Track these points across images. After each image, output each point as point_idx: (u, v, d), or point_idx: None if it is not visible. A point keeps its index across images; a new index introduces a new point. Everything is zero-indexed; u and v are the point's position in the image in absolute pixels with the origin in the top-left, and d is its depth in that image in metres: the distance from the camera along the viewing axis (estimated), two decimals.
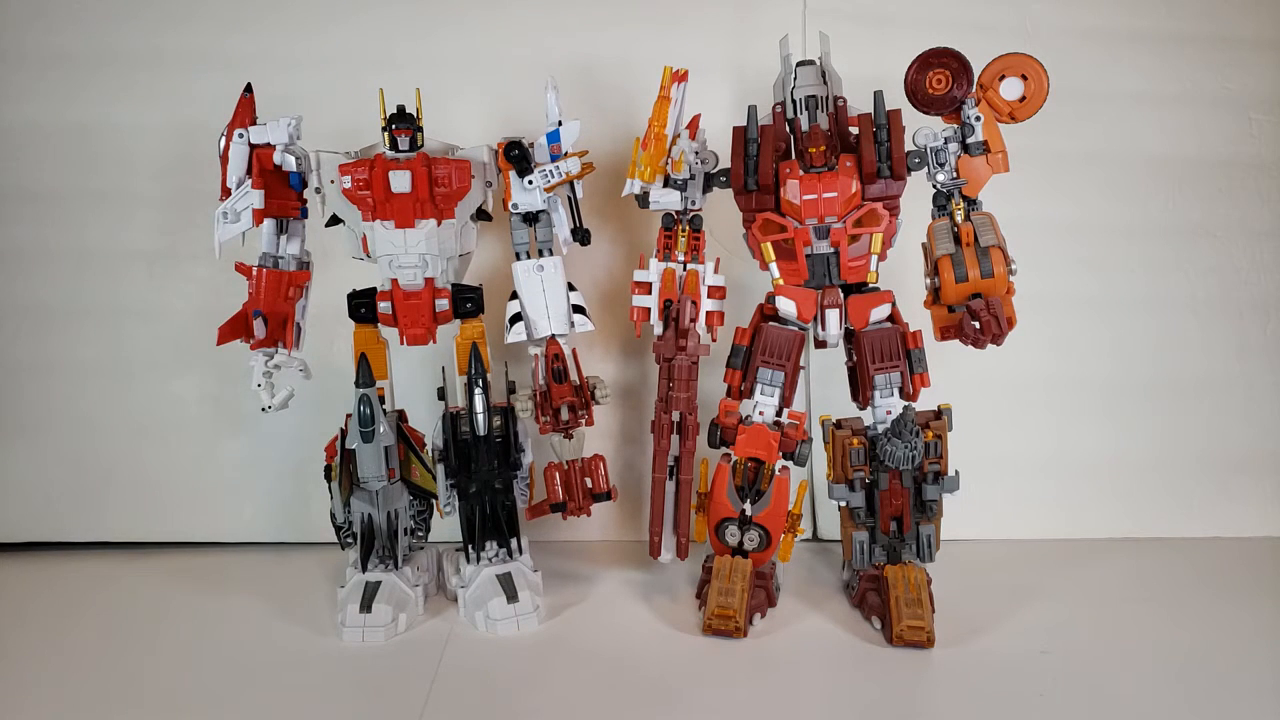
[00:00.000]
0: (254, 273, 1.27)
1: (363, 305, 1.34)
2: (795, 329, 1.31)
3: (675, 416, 1.31)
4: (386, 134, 1.27)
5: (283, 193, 1.28)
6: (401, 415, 1.38)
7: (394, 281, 1.29)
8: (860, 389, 1.34)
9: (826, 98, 1.29)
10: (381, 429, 1.28)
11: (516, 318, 1.34)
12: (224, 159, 1.25)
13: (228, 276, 1.28)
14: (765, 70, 1.33)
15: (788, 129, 1.31)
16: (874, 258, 1.28)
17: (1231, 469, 1.67)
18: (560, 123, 1.28)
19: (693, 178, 1.32)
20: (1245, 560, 1.54)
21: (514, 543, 1.35)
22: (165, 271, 1.61)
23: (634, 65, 1.48)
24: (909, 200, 1.30)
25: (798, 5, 1.59)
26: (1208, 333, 1.66)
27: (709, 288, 1.34)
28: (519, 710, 1.10)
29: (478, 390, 1.29)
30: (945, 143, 1.25)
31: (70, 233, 1.60)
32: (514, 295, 1.34)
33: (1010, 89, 1.23)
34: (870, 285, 1.31)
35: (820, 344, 1.34)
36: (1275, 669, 1.18)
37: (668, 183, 1.31)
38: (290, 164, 1.25)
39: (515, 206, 1.31)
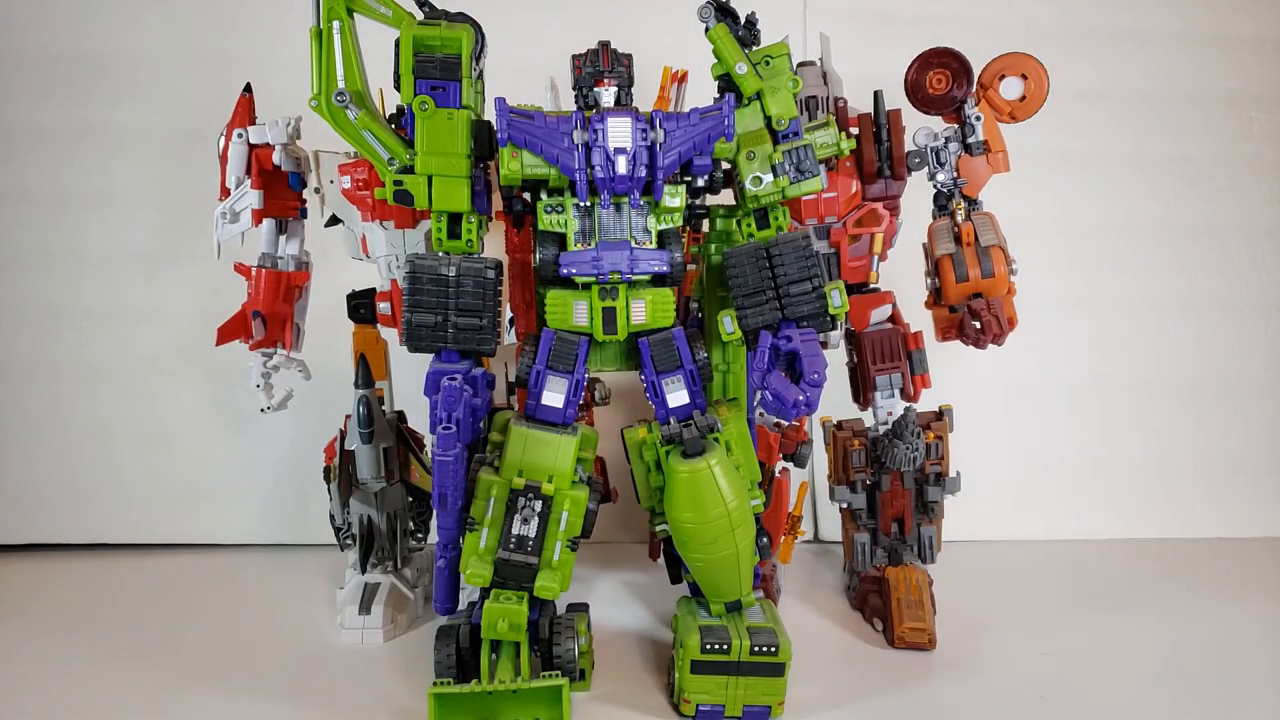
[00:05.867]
0: (253, 273, 1.26)
1: (362, 306, 1.34)
2: None
3: None
4: None
5: (282, 193, 1.28)
6: (401, 416, 1.38)
7: (393, 282, 1.29)
8: (861, 390, 1.34)
9: (827, 98, 1.29)
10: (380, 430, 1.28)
11: None
12: (223, 159, 1.25)
13: (227, 277, 1.27)
14: None
15: None
16: (874, 258, 1.28)
17: (1231, 469, 1.67)
18: None
19: None
20: (1245, 560, 1.54)
21: None
22: (165, 272, 1.61)
23: (633, 65, 1.48)
24: (909, 200, 1.30)
25: (798, 5, 1.59)
26: (1208, 333, 1.66)
27: None
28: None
29: None
30: (946, 142, 1.25)
31: (70, 234, 1.60)
32: None
33: (1010, 88, 1.23)
34: (871, 285, 1.31)
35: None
36: (1275, 669, 1.18)
37: None
38: (289, 164, 1.25)
39: None
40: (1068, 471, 1.66)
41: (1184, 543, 1.61)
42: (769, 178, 1.07)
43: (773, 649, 1.02)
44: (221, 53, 1.57)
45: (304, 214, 1.31)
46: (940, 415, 1.30)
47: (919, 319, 1.32)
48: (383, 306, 1.31)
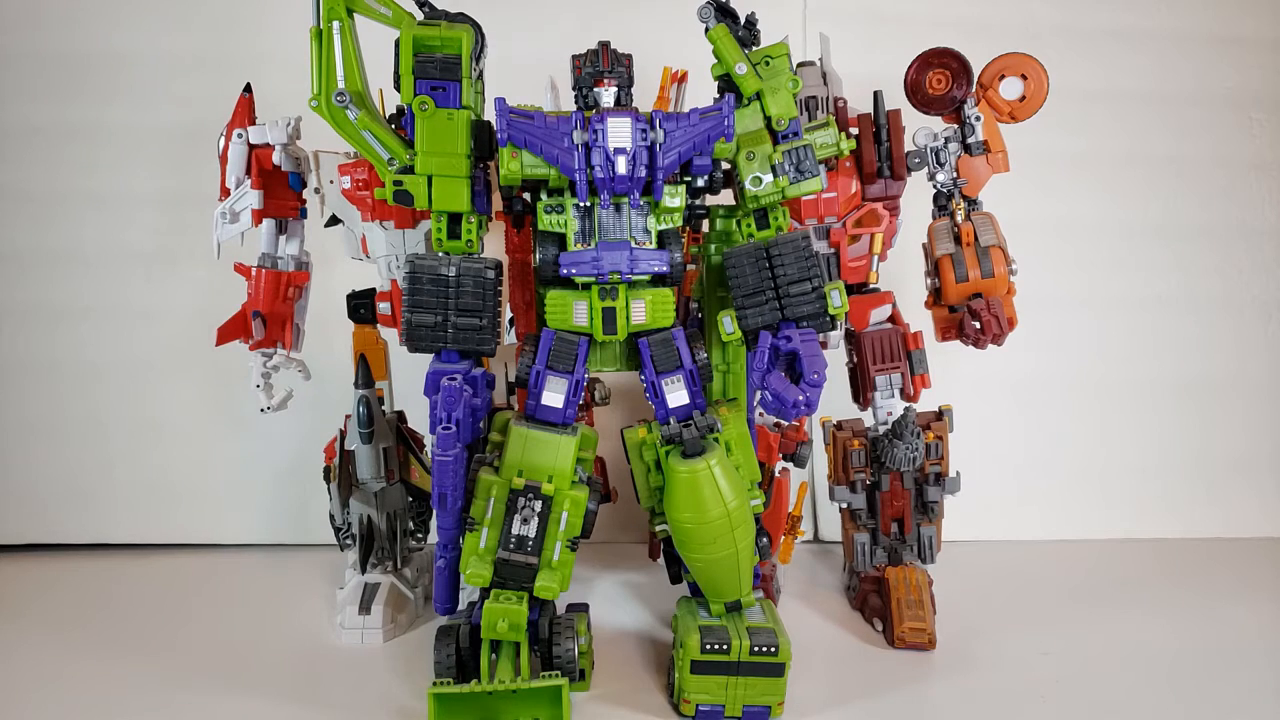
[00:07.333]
0: (253, 273, 1.26)
1: (362, 306, 1.34)
2: None
3: None
4: None
5: (282, 193, 1.28)
6: (401, 416, 1.38)
7: (393, 282, 1.29)
8: (861, 390, 1.34)
9: (827, 98, 1.29)
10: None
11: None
12: (223, 159, 1.25)
13: (227, 277, 1.27)
14: None
15: None
16: (874, 258, 1.28)
17: (1231, 469, 1.67)
18: None
19: None
20: (1244, 560, 1.54)
21: None
22: (164, 272, 1.61)
23: (633, 66, 1.48)
24: (909, 200, 1.30)
25: (798, 5, 1.59)
26: (1208, 333, 1.66)
27: None
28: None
29: None
30: (945, 143, 1.25)
31: (69, 234, 1.60)
32: None
33: (1010, 89, 1.23)
34: (870, 286, 1.31)
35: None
36: (1275, 669, 1.18)
37: None
38: (289, 164, 1.25)
39: None
40: (1068, 471, 1.66)
41: (1184, 543, 1.61)
42: (769, 178, 1.07)
43: (772, 649, 1.02)
44: (221, 52, 1.57)
45: (304, 214, 1.31)
46: (940, 415, 1.30)
47: (919, 319, 1.32)
48: (383, 306, 1.31)
